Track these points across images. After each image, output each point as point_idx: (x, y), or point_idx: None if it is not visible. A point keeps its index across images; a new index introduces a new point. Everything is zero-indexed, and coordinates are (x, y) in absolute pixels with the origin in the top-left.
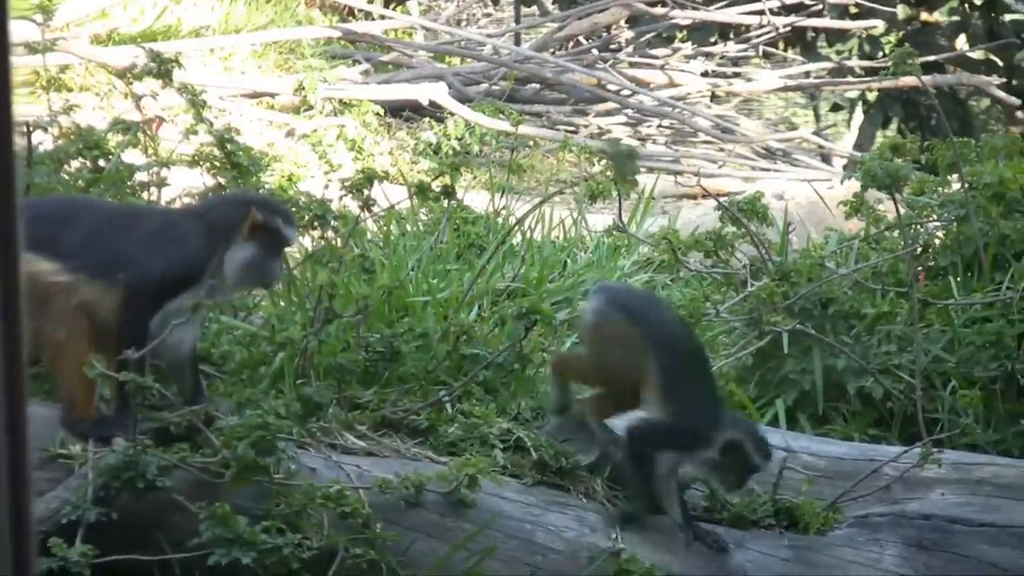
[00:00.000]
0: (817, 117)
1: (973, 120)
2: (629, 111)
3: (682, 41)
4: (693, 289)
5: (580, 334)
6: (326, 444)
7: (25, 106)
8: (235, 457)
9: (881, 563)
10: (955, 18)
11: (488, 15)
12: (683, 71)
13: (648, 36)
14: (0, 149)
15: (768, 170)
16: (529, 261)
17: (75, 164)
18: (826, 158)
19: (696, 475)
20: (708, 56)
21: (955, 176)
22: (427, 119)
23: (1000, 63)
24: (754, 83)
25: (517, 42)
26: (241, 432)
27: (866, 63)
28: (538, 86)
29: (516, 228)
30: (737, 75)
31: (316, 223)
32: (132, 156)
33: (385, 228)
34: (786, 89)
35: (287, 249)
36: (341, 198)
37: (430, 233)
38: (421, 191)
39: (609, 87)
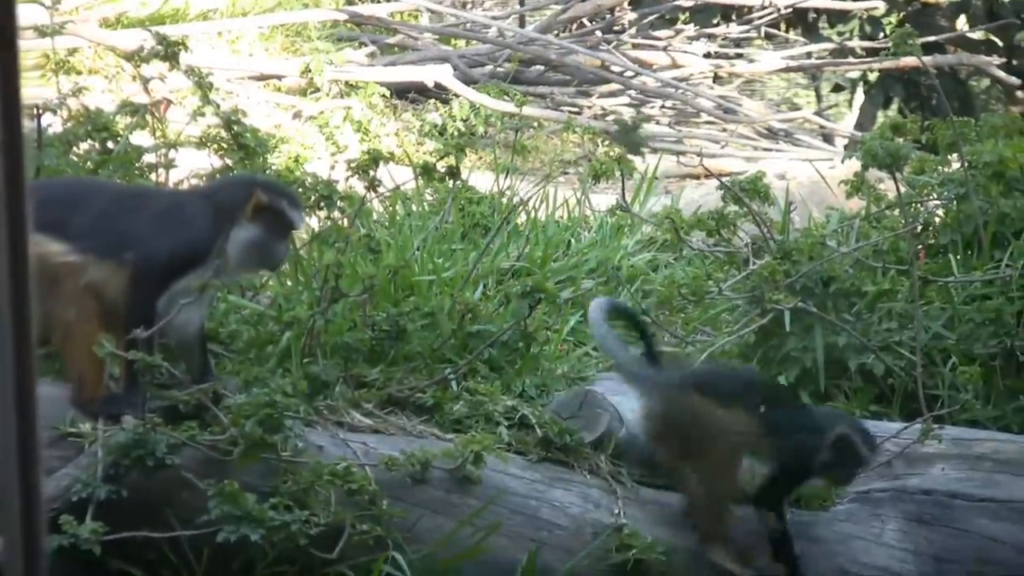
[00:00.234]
0: (819, 97)
1: (973, 100)
2: (632, 92)
3: (685, 23)
4: (696, 268)
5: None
6: (333, 422)
7: (35, 89)
8: (243, 435)
9: (882, 538)
10: None
11: None
12: (686, 52)
13: (651, 18)
14: (8, 131)
15: (770, 150)
16: (533, 240)
17: (84, 146)
18: (828, 138)
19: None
20: (710, 37)
21: (955, 155)
22: (432, 101)
23: (1000, 43)
24: (756, 64)
25: (521, 24)
26: (249, 410)
27: (867, 44)
28: (542, 68)
29: (520, 208)
30: (739, 56)
31: (322, 204)
32: (140, 138)
33: (391, 208)
34: (788, 70)
35: (293, 231)
36: (347, 179)
37: (435, 213)
38: (426, 172)
39: (612, 68)
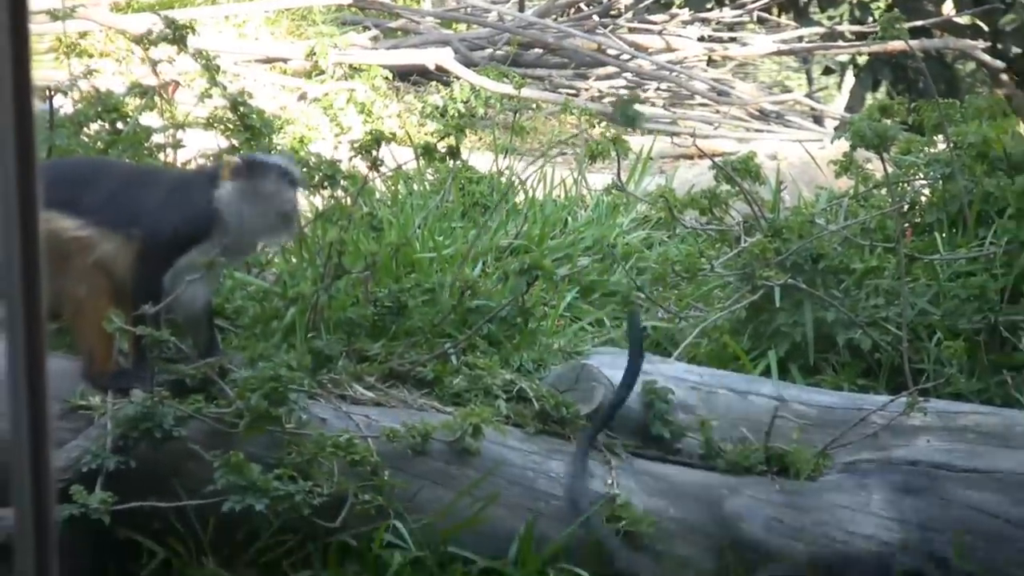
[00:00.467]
0: (809, 80)
1: (959, 83)
2: (628, 75)
3: (679, 7)
4: (689, 245)
5: None
6: (336, 395)
7: (48, 71)
8: (248, 408)
9: (869, 507)
10: None
11: None
12: (680, 36)
13: (647, 2)
14: (19, 112)
15: (761, 131)
16: (531, 219)
17: (94, 127)
18: (818, 119)
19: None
20: (704, 21)
21: (941, 136)
22: (434, 83)
23: (985, 28)
24: (749, 48)
25: (521, 8)
26: (254, 384)
27: (856, 28)
28: (540, 51)
29: (519, 187)
30: (732, 40)
31: (326, 183)
32: (149, 119)
33: (393, 188)
34: (779, 53)
35: (290, 203)
36: (350, 159)
37: (436, 192)
38: (427, 152)
39: (609, 52)
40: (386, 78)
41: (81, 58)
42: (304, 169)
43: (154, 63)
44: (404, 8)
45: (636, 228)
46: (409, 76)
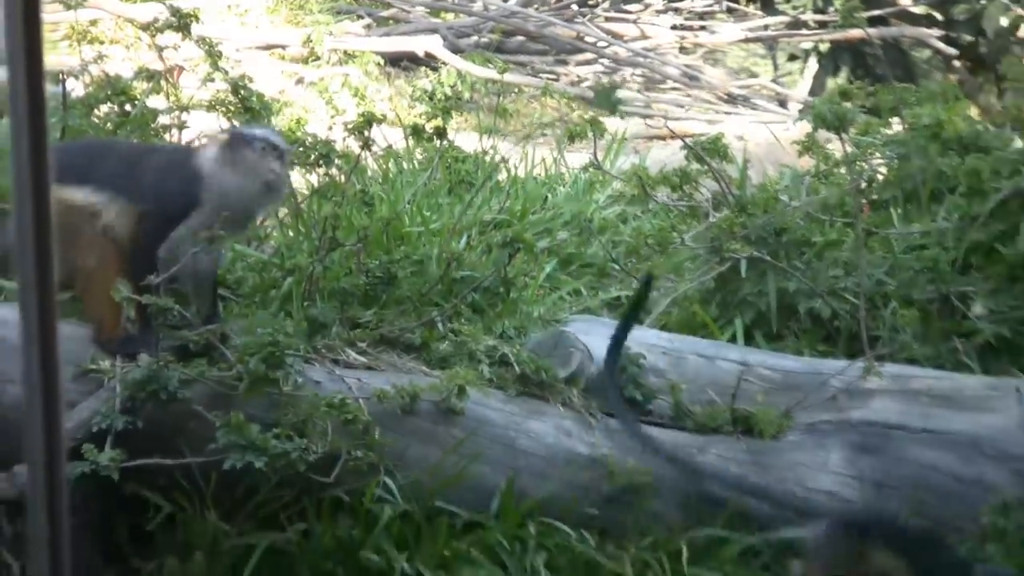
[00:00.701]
0: (775, 66)
1: (914, 69)
2: (605, 61)
3: None
4: (661, 220)
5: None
6: (330, 359)
7: (61, 57)
8: (248, 371)
9: (828, 465)
10: None
11: None
12: (654, 24)
13: None
14: (32, 95)
15: (730, 114)
16: (513, 195)
17: (104, 109)
18: (782, 103)
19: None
20: (676, 11)
21: (897, 119)
22: (423, 68)
23: (939, 16)
24: (718, 35)
25: None
26: (253, 349)
27: (819, 17)
28: (523, 39)
29: (502, 166)
30: (703, 28)
31: (321, 161)
32: (155, 102)
33: (384, 166)
34: (747, 41)
35: (273, 172)
36: (344, 139)
37: (424, 170)
38: (416, 133)
39: (587, 39)
40: (378, 64)
41: (92, 45)
42: (300, 149)
43: (160, 49)
44: None
45: (611, 204)
46: (400, 62)
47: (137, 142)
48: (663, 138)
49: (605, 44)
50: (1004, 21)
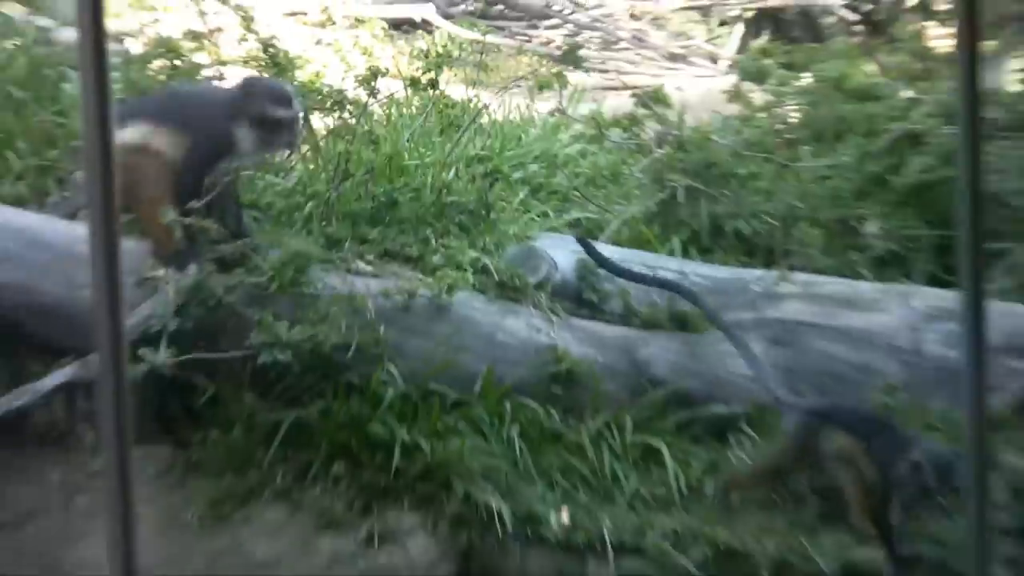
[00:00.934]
0: (708, 30)
1: (822, 32)
2: (569, 25)
3: None
4: (614, 155)
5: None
6: (343, 269)
7: (122, 21)
8: (278, 275)
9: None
10: None
11: None
12: None
13: None
14: (95, 50)
15: (671, 69)
16: (493, 136)
17: (157, 63)
18: (714, 60)
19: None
20: None
21: (808, 73)
22: (419, 31)
23: None
24: (662, 3)
25: None
26: (284, 258)
27: None
28: (502, 7)
29: (484, 111)
30: None
31: (336, 107)
32: (199, 57)
33: (387, 111)
34: (686, 8)
35: (287, 117)
36: (355, 89)
37: (420, 115)
38: (414, 84)
39: (554, 8)
40: (383, 28)
41: (147, 10)
42: (319, 97)
43: (203, 14)
44: None
45: (573, 143)
46: (401, 26)
47: (188, 85)
48: (616, 89)
49: (570, 11)
50: None
